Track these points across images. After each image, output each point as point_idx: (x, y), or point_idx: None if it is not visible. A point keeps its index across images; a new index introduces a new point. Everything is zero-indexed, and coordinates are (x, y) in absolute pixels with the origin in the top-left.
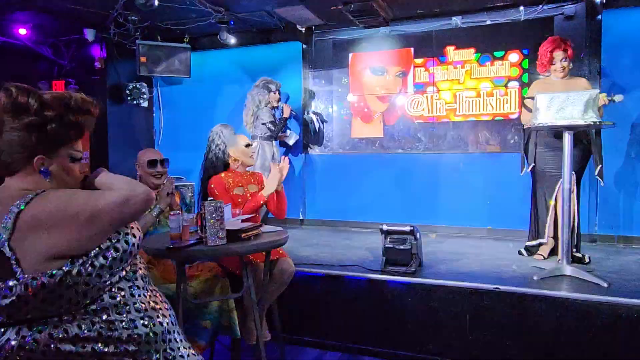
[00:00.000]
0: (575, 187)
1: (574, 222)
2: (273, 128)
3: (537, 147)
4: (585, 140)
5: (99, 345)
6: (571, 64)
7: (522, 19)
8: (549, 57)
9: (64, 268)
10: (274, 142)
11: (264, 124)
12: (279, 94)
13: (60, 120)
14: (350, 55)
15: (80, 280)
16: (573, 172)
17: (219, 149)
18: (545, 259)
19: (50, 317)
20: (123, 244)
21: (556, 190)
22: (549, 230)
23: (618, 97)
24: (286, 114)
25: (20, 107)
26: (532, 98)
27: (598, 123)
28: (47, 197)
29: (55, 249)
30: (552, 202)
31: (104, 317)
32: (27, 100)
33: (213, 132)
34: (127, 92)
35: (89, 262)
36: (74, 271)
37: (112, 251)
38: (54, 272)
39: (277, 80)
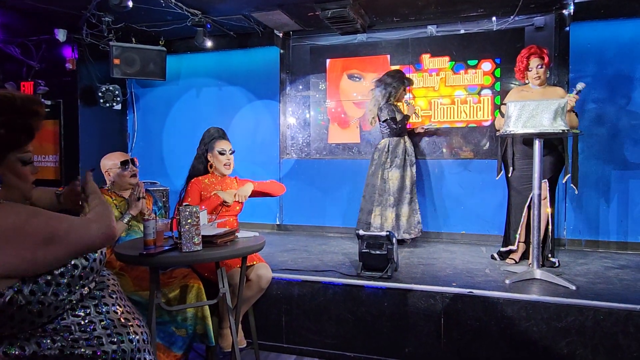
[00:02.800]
0: (548, 193)
1: (547, 227)
2: (394, 126)
3: (514, 154)
4: (561, 148)
5: None
6: (548, 72)
7: (494, 29)
8: (525, 63)
9: (15, 287)
10: (405, 137)
11: (384, 120)
12: (409, 90)
13: (9, 125)
14: (328, 61)
15: (33, 300)
16: (545, 180)
17: (201, 151)
18: (516, 263)
19: (4, 336)
20: (82, 260)
21: (529, 196)
22: (519, 236)
23: (580, 85)
24: (410, 112)
25: None
26: None
27: (567, 131)
28: (4, 211)
29: (3, 268)
30: (526, 209)
31: (67, 335)
32: None
33: (203, 134)
34: (100, 94)
35: (45, 279)
36: (26, 290)
37: (70, 268)
38: (3, 291)
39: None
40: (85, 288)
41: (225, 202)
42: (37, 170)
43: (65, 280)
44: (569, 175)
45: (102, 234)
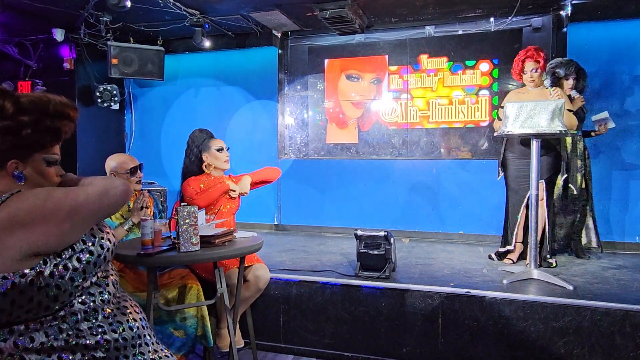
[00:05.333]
0: (545, 194)
1: (544, 228)
2: None
3: (510, 155)
4: (558, 148)
5: (65, 353)
6: (543, 75)
7: (492, 30)
8: (520, 66)
9: (36, 268)
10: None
11: None
12: (573, 80)
13: (35, 126)
14: (326, 61)
15: (52, 283)
16: (543, 180)
17: (194, 154)
18: (514, 263)
19: (17, 323)
20: (98, 248)
21: (527, 197)
22: (517, 236)
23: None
24: (574, 107)
25: None
26: None
27: (563, 131)
28: (23, 196)
29: (34, 245)
30: (523, 209)
31: (73, 323)
32: (2, 103)
33: (190, 137)
34: (98, 94)
35: (63, 263)
36: (47, 272)
37: (86, 254)
38: (26, 271)
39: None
40: (96, 276)
41: (232, 189)
42: (62, 172)
43: (81, 267)
44: (565, 175)
45: (121, 191)
